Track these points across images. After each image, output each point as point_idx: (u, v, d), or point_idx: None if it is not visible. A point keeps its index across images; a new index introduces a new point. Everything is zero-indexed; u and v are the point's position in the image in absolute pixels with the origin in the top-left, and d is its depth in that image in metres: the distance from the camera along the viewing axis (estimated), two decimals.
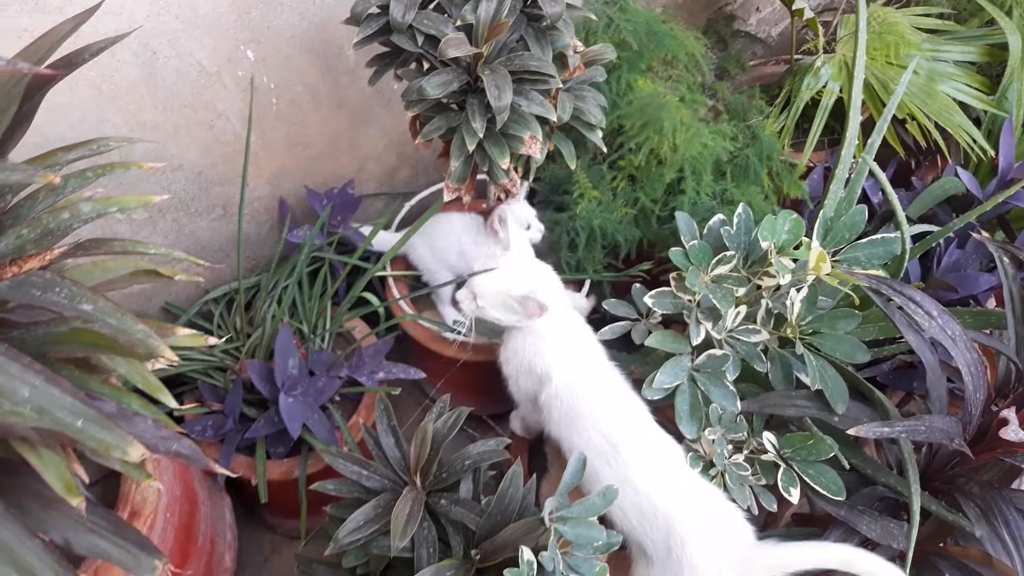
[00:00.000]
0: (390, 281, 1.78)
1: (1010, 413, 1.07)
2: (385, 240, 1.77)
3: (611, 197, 1.60)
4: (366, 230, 1.78)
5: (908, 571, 1.22)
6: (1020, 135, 1.79)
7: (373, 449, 1.31)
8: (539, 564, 1.11)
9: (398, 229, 1.87)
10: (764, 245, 1.25)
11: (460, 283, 1.62)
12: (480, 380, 1.78)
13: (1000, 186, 1.66)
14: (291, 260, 1.74)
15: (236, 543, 1.65)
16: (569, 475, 1.18)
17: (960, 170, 1.66)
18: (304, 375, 1.56)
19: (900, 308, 1.28)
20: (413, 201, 1.90)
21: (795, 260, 1.28)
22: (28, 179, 0.64)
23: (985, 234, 1.45)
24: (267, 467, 1.56)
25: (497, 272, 1.42)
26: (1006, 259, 1.40)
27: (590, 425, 1.26)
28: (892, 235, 1.31)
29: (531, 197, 1.87)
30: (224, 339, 1.29)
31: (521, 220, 1.67)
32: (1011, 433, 1.03)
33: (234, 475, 1.31)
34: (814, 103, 1.90)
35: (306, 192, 1.73)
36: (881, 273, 1.26)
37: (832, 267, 1.22)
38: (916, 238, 1.58)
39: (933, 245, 1.59)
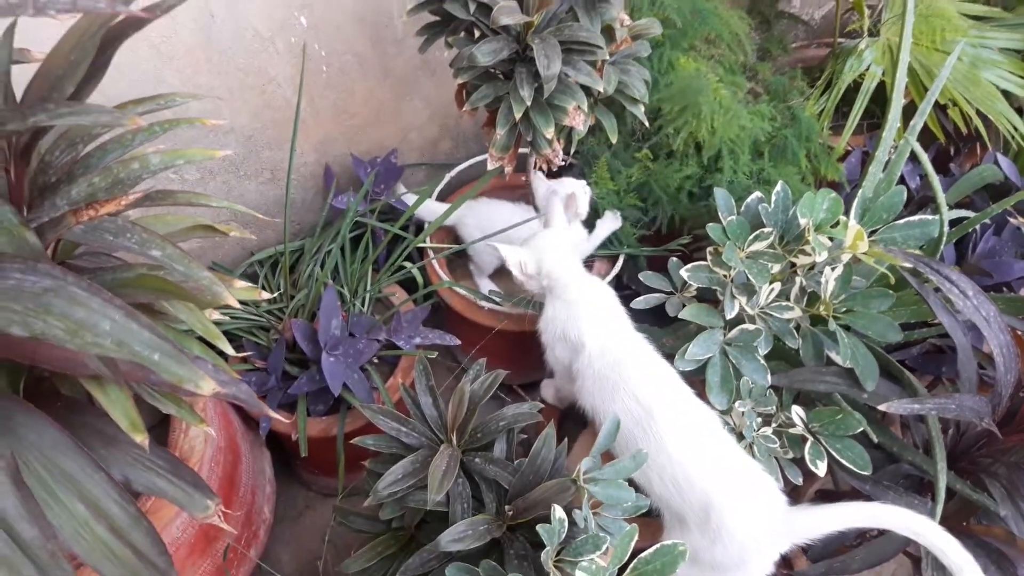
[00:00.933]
0: (429, 251, 1.82)
1: None
2: (430, 209, 1.81)
3: (625, 188, 1.63)
4: (410, 199, 1.82)
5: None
6: None
7: (411, 408, 1.35)
8: (570, 521, 1.16)
9: (439, 199, 1.91)
10: (803, 222, 1.27)
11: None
12: (512, 349, 1.82)
13: None
14: (335, 226, 1.79)
15: (274, 496, 1.72)
16: (603, 437, 1.22)
17: (1000, 156, 1.66)
18: (345, 336, 1.61)
19: (936, 290, 1.30)
20: (454, 172, 1.93)
21: (831, 239, 1.30)
22: (115, 121, 0.68)
23: (1022, 219, 1.45)
24: (307, 424, 1.62)
25: (525, 246, 1.47)
26: None
27: (624, 391, 1.29)
28: (930, 217, 1.32)
29: (567, 170, 1.90)
30: (272, 295, 1.34)
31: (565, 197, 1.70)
32: None
33: (285, 420, 1.36)
34: (855, 86, 1.90)
35: (351, 159, 1.78)
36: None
37: (869, 246, 1.23)
38: (953, 223, 1.59)
39: (969, 231, 1.60)
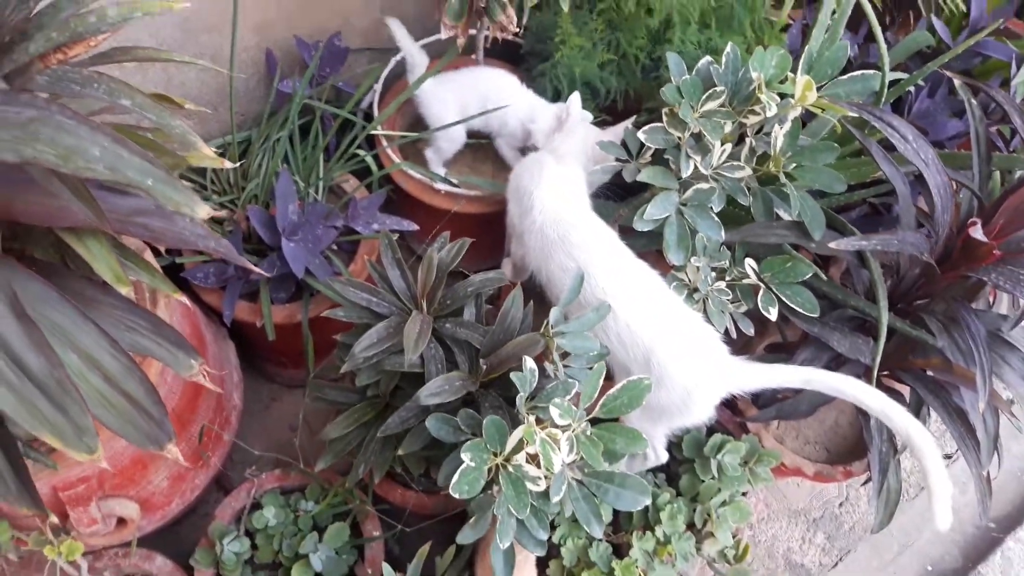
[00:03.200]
0: (382, 139, 1.80)
1: (976, 224, 1.16)
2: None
3: (592, 45, 1.63)
4: None
5: (876, 384, 1.35)
6: None
7: (379, 282, 1.37)
8: (541, 373, 1.21)
9: (385, 86, 1.88)
10: (754, 76, 1.30)
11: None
12: (469, 234, 1.84)
13: (970, 35, 1.73)
14: (281, 113, 1.75)
15: (242, 383, 1.73)
16: (568, 292, 1.26)
17: (935, 20, 1.72)
18: (303, 222, 1.60)
19: (879, 142, 1.36)
20: (398, 56, 1.90)
21: (781, 96, 1.34)
22: None
23: (955, 77, 1.52)
24: (271, 311, 1.62)
25: None
26: (974, 101, 1.48)
27: (562, 250, 1.35)
28: (871, 72, 1.37)
29: (516, 49, 1.89)
30: (235, 165, 1.31)
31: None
32: (977, 232, 1.13)
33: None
34: None
35: (295, 42, 1.73)
36: None
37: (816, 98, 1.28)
38: (890, 85, 1.65)
39: (905, 92, 1.66)
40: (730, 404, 1.62)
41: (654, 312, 1.29)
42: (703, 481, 1.53)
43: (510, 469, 1.15)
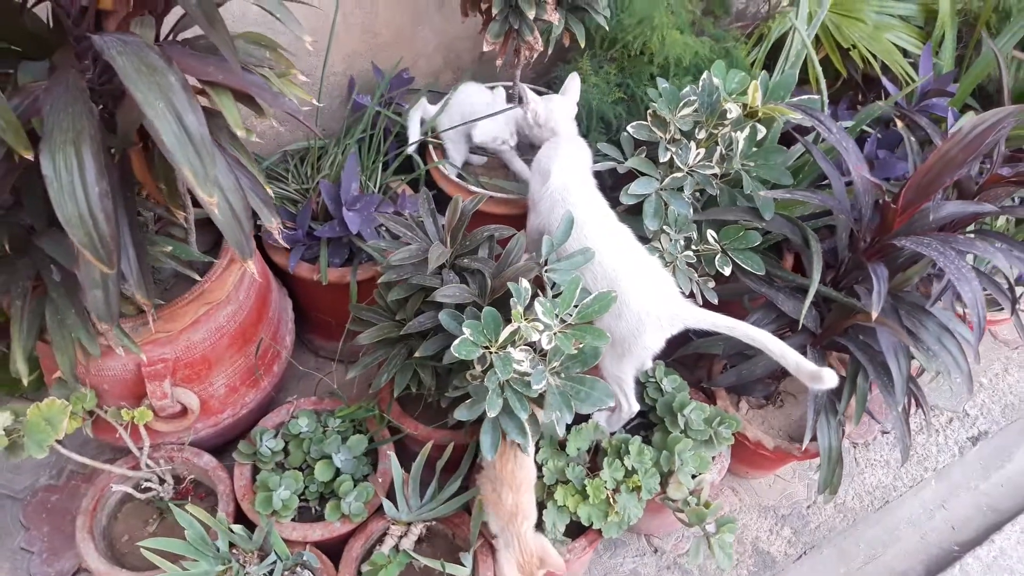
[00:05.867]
0: (432, 155, 2.22)
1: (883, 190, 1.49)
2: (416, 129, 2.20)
3: (606, 84, 2.05)
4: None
5: (819, 355, 1.63)
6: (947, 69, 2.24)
7: (416, 227, 1.74)
8: (534, 295, 1.53)
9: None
10: (716, 82, 1.69)
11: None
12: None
13: (920, 98, 2.10)
14: (355, 125, 2.19)
15: (294, 330, 2.07)
16: (560, 232, 1.61)
17: (887, 82, 2.10)
18: (362, 198, 1.99)
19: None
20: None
21: (744, 107, 1.72)
22: None
23: (898, 120, 1.88)
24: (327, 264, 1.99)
25: None
26: (913, 139, 1.84)
27: (567, 209, 1.69)
28: (815, 96, 1.75)
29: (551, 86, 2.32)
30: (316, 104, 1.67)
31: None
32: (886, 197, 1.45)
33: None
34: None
35: (372, 67, 2.20)
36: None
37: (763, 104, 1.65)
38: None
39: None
40: (704, 365, 1.91)
41: (622, 256, 1.62)
42: (671, 433, 1.78)
43: (500, 355, 1.45)
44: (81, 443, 1.91)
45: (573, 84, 1.90)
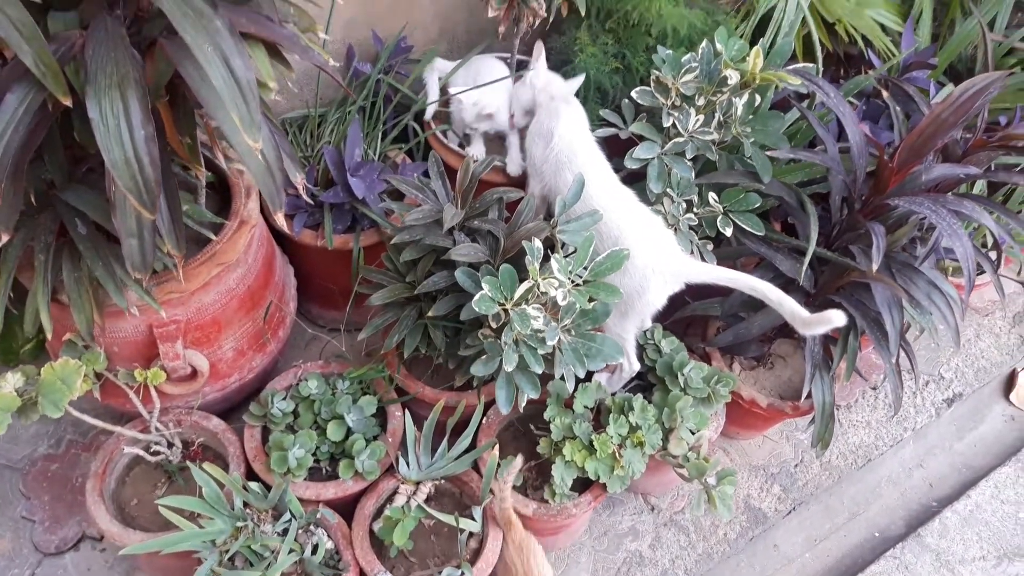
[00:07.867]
0: (431, 123, 2.24)
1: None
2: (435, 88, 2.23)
3: (603, 54, 2.10)
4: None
5: (810, 310, 1.70)
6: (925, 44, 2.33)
7: (427, 189, 1.76)
8: (545, 256, 1.57)
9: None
10: (718, 47, 1.74)
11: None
12: None
13: (902, 71, 2.18)
14: (352, 100, 2.21)
15: (296, 297, 2.09)
16: (571, 194, 1.65)
17: (871, 55, 2.18)
18: (365, 164, 2.01)
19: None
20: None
21: (741, 73, 1.78)
22: None
23: (882, 90, 1.96)
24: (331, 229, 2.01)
25: None
26: (898, 108, 1.91)
27: (569, 170, 1.74)
28: (810, 65, 1.81)
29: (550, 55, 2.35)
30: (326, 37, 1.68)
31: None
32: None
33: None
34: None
35: (372, 35, 2.21)
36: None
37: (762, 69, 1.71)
38: None
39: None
40: (695, 332, 1.98)
41: (627, 215, 1.67)
42: (671, 391, 1.84)
43: (517, 311, 1.49)
44: (81, 410, 1.90)
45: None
